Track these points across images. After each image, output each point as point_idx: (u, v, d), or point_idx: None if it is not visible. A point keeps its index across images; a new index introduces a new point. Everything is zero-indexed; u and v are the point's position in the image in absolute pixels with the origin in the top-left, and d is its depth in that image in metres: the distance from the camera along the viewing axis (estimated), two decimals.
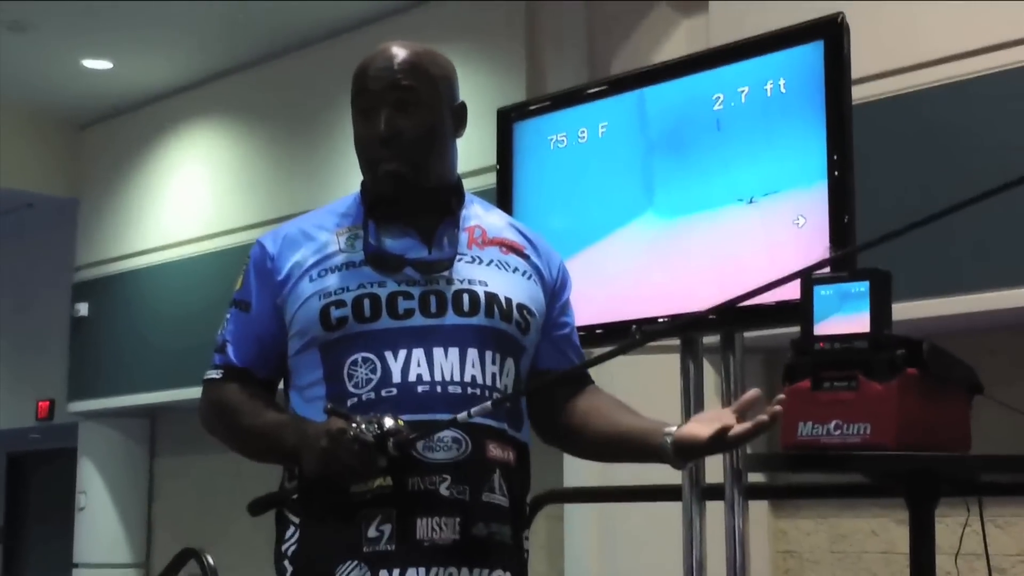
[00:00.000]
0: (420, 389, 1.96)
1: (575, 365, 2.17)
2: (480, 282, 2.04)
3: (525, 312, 2.07)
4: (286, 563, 2.03)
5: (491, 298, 2.03)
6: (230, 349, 2.09)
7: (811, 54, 2.54)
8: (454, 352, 1.99)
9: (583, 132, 2.92)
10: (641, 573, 4.67)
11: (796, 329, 2.21)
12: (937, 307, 3.72)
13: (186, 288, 7.21)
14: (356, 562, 1.94)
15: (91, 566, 8.09)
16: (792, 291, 2.28)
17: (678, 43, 4.90)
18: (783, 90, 2.58)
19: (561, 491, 5.00)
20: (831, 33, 2.51)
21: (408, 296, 2.01)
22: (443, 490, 1.95)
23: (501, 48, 5.72)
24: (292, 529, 2.04)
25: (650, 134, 2.81)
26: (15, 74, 7.29)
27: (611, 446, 2.11)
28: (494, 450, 2.00)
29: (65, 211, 8.39)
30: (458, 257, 2.06)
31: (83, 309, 8.05)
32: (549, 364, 2.15)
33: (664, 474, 3.24)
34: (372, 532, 1.94)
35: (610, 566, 4.87)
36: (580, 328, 2.85)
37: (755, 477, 3.12)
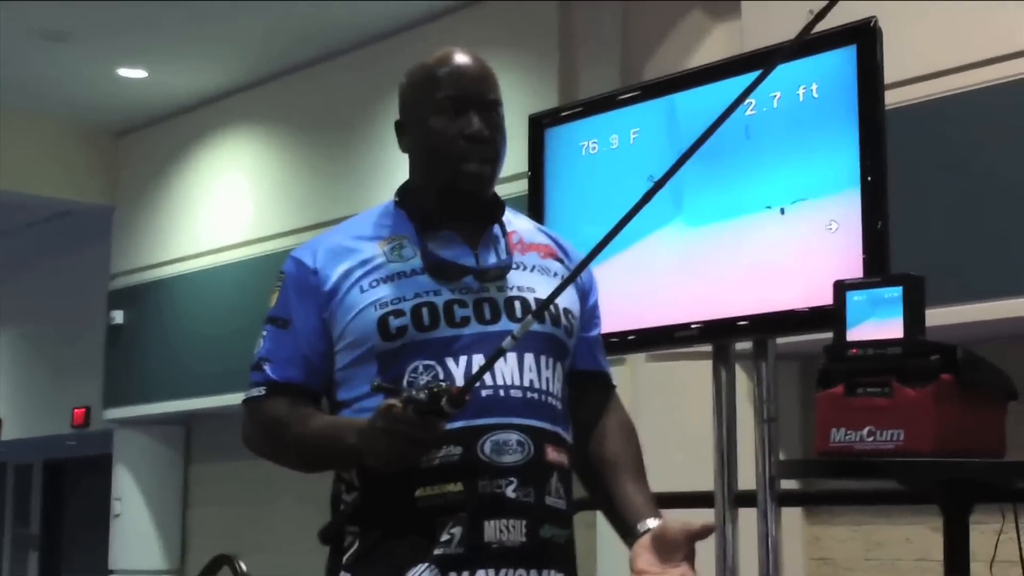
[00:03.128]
0: (484, 393, 1.97)
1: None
2: (528, 288, 2.08)
3: (571, 317, 2.11)
4: (342, 573, 2.02)
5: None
6: (268, 367, 2.08)
7: (844, 59, 2.53)
8: (512, 357, 2.00)
9: (615, 138, 2.92)
10: None
11: (829, 335, 2.20)
12: (971, 313, 3.69)
13: (221, 295, 7.25)
14: (427, 565, 1.95)
15: (126, 572, 8.13)
16: (825, 297, 2.27)
17: (711, 48, 4.89)
18: (815, 95, 2.57)
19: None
20: (864, 38, 2.50)
21: (463, 304, 2.03)
22: (510, 493, 1.97)
23: (534, 53, 5.72)
24: (350, 539, 2.03)
25: (681, 140, 2.80)
26: (52, 83, 7.36)
27: (598, 496, 2.15)
28: (552, 453, 2.03)
29: (101, 219, 8.46)
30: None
31: (119, 317, 8.11)
32: (584, 366, 2.18)
33: (697, 480, 3.24)
34: (444, 536, 1.95)
35: None
36: (611, 334, 2.87)
37: (788, 484, 3.10)
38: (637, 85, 3.06)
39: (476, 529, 1.95)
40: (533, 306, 2.05)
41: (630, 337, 2.89)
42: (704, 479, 2.90)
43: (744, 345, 2.79)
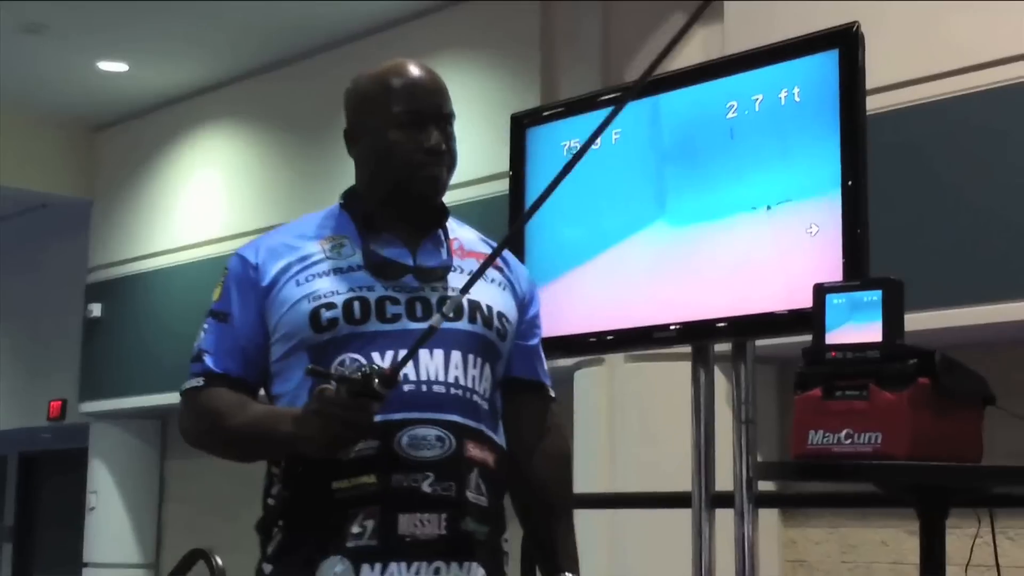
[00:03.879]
0: (406, 388, 2.01)
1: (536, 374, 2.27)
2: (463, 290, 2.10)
3: (504, 321, 2.16)
4: (265, 564, 2.08)
5: (474, 305, 2.11)
6: (208, 359, 2.13)
7: (826, 63, 2.54)
8: (439, 354, 2.05)
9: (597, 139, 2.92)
10: None
11: (808, 338, 2.21)
12: (950, 318, 3.72)
13: (199, 290, 7.19)
14: (340, 557, 1.99)
15: (101, 566, 8.10)
16: (805, 300, 2.28)
17: (693, 51, 4.89)
18: (797, 99, 2.58)
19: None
20: (846, 42, 2.51)
21: (395, 301, 2.08)
22: (426, 487, 2.01)
23: (515, 53, 5.72)
24: (275, 530, 2.08)
25: (663, 141, 2.81)
26: (31, 75, 7.32)
27: (527, 530, 2.24)
28: (473, 450, 2.06)
29: (79, 212, 8.43)
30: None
31: (96, 310, 8.08)
32: (520, 373, 2.23)
33: (674, 481, 3.24)
34: (355, 528, 1.99)
35: (620, 573, 4.86)
36: (590, 334, 2.87)
37: (765, 485, 3.11)
38: (619, 86, 3.07)
39: (390, 522, 1.99)
40: (466, 307, 2.10)
41: (609, 337, 2.90)
42: (681, 480, 2.90)
43: (723, 347, 2.80)
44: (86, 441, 8.33)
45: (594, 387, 5.10)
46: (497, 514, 2.13)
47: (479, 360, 2.10)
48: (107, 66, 7.18)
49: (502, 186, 3.27)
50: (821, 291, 2.19)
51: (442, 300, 2.10)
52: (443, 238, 2.20)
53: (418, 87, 2.17)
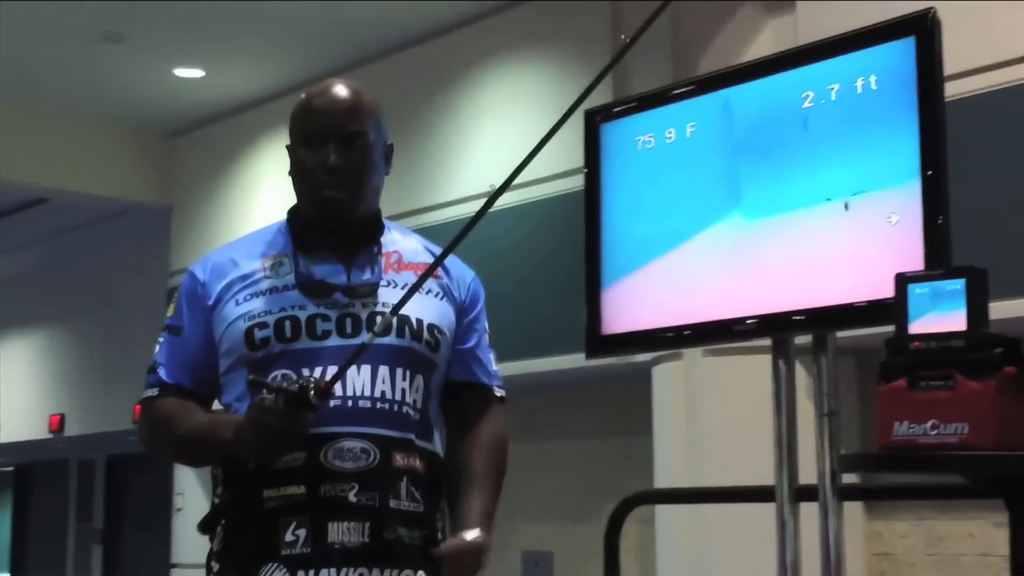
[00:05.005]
0: (332, 403, 2.10)
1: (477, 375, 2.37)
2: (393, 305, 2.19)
3: (436, 332, 2.26)
4: (213, 562, 2.20)
5: (403, 320, 2.21)
6: (162, 370, 2.27)
7: (902, 50, 2.51)
8: (366, 370, 2.16)
9: (670, 133, 2.91)
10: (734, 575, 4.64)
11: (888, 329, 2.18)
12: None
13: None
14: (276, 564, 2.10)
15: (189, 566, 8.20)
16: (885, 290, 2.25)
17: (764, 43, 4.86)
18: (874, 87, 2.55)
19: (652, 492, 4.99)
20: (923, 29, 2.48)
21: (326, 319, 2.19)
22: (351, 497, 2.12)
23: (587, 50, 5.72)
24: (220, 531, 2.20)
25: (737, 134, 2.79)
26: (109, 84, 7.44)
27: (449, 504, 2.30)
28: (400, 459, 2.17)
29: (159, 218, 8.55)
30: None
31: None
32: (456, 376, 2.33)
33: (754, 476, 3.22)
34: (289, 536, 2.11)
35: (702, 568, 4.84)
36: (666, 329, 2.86)
37: (849, 478, 3.08)
38: (693, 79, 3.06)
39: (320, 530, 2.11)
40: (394, 323, 2.20)
41: (686, 332, 2.88)
42: (763, 474, 2.88)
43: (802, 339, 2.78)
44: None
45: (672, 382, 5.08)
46: (431, 518, 2.23)
47: (407, 372, 2.20)
48: (183, 73, 7.28)
49: (576, 182, 3.27)
50: (903, 280, 2.17)
51: (372, 316, 2.19)
52: (377, 252, 2.29)
53: (325, 106, 2.28)
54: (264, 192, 7.66)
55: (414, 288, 2.10)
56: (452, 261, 2.36)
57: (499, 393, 2.39)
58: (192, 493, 8.14)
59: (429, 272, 2.14)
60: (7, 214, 10.04)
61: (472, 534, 2.17)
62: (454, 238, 2.11)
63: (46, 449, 12.08)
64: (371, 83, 7.76)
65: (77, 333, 10.71)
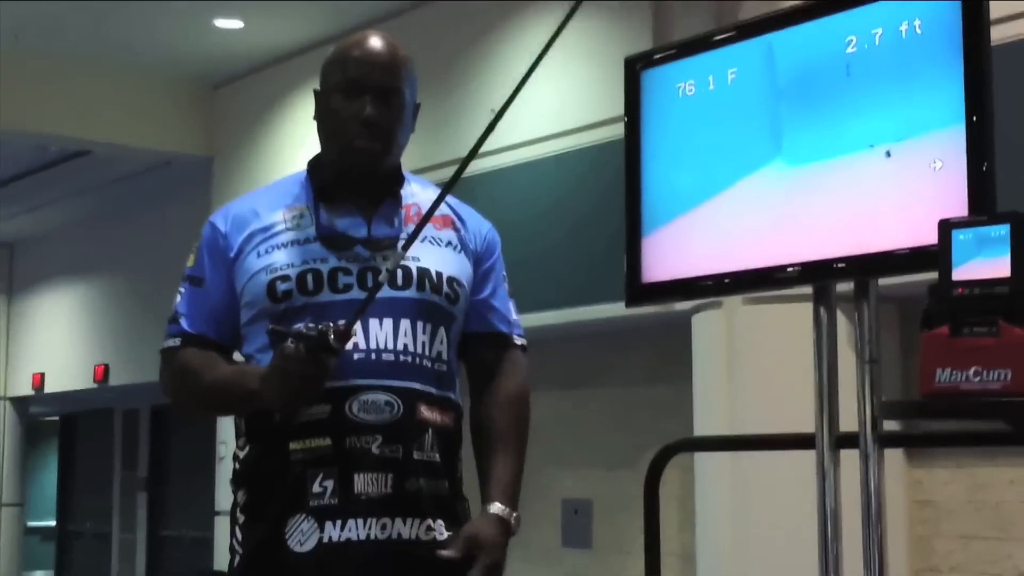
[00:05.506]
0: (356, 356, 2.14)
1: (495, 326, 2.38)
2: (413, 258, 2.23)
3: (455, 284, 2.27)
4: (239, 513, 2.23)
5: (423, 273, 2.23)
6: (184, 320, 2.29)
7: None
8: (388, 323, 2.17)
9: (712, 79, 2.89)
10: (773, 523, 4.66)
11: (933, 275, 2.17)
12: None
13: None
14: (304, 515, 2.14)
15: None
16: (928, 237, 2.24)
17: None
18: (919, 31, 2.52)
19: (692, 440, 5.00)
20: None
21: (347, 272, 2.20)
22: (375, 449, 2.14)
23: None
24: (245, 484, 2.24)
25: (779, 80, 2.77)
26: (150, 36, 7.46)
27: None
28: (424, 411, 2.19)
29: (201, 169, 8.59)
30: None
31: None
32: (473, 326, 2.34)
33: (795, 423, 3.22)
34: (316, 487, 2.14)
35: (742, 516, 4.86)
36: (706, 277, 2.86)
37: (890, 426, 3.08)
38: (733, 25, 3.02)
39: (347, 481, 2.13)
40: (414, 274, 2.22)
41: (726, 280, 2.87)
42: (803, 422, 2.88)
43: (843, 287, 2.76)
44: None
45: (712, 330, 5.08)
46: (453, 469, 2.27)
47: (428, 326, 2.22)
48: (223, 23, 7.29)
49: (617, 131, 3.26)
50: (947, 226, 2.15)
51: (386, 258, 2.20)
52: (398, 204, 2.29)
53: (365, 58, 2.26)
54: (304, 142, 7.66)
55: (420, 226, 2.12)
56: (468, 213, 2.38)
57: (519, 341, 2.40)
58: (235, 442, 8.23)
59: (432, 210, 2.14)
60: (51, 166, 10.12)
61: (496, 508, 2.22)
62: (455, 172, 2.15)
63: (91, 399, 12.24)
64: (411, 32, 7.76)
65: (121, 284, 10.81)
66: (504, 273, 2.43)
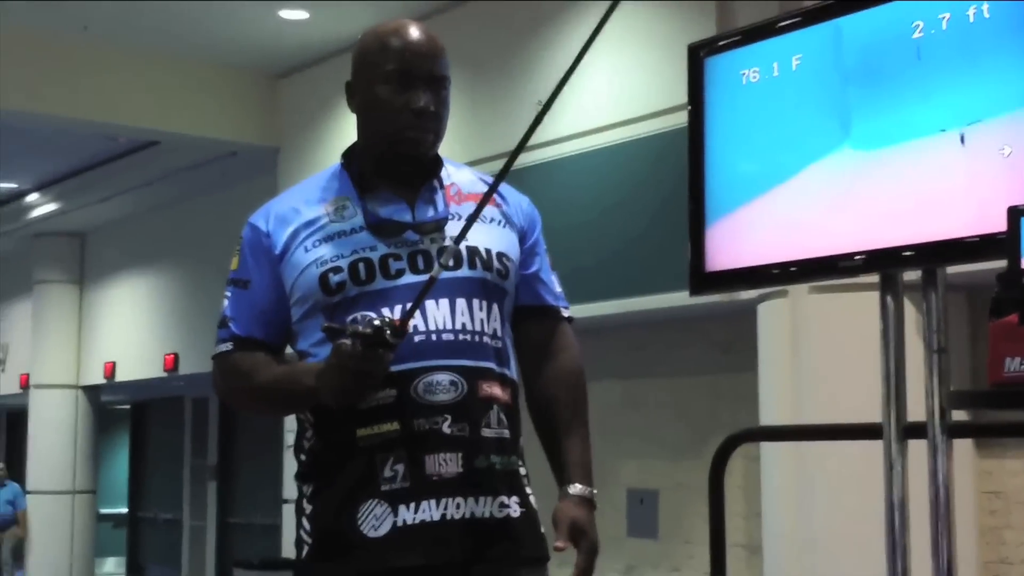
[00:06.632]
0: (416, 339, 2.15)
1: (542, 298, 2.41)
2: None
3: (504, 259, 2.29)
4: (306, 503, 2.24)
5: (472, 251, 2.25)
6: (233, 324, 2.30)
7: None
8: (444, 303, 2.19)
9: (776, 66, 2.86)
10: (839, 513, 4.62)
11: (1002, 263, 2.14)
12: None
13: None
14: (376, 500, 2.14)
15: None
16: (997, 224, 2.21)
17: None
18: (986, 15, 2.49)
19: (757, 430, 4.97)
20: None
21: (398, 258, 2.22)
22: (445, 428, 2.15)
23: None
24: (312, 476, 2.24)
25: (846, 65, 2.74)
26: (216, 27, 7.53)
27: (543, 444, 2.36)
28: (486, 388, 2.21)
29: (267, 159, 8.67)
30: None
31: None
32: (524, 300, 2.36)
33: (861, 413, 3.19)
34: (387, 472, 2.14)
35: (807, 506, 4.83)
36: (772, 265, 2.83)
37: (958, 416, 3.04)
38: (799, 11, 3.00)
39: (417, 464, 2.14)
40: (464, 254, 2.23)
41: (792, 268, 2.85)
42: (869, 412, 2.86)
43: (911, 275, 2.73)
44: None
45: (778, 319, 5.05)
46: (516, 443, 2.28)
47: (484, 303, 2.23)
48: (288, 14, 7.34)
49: (681, 119, 3.25)
50: (1016, 214, 2.13)
51: (441, 250, 2.22)
52: (439, 187, 2.31)
53: (412, 47, 2.29)
54: None
55: (473, 216, 2.12)
56: (506, 188, 2.39)
57: (566, 313, 2.43)
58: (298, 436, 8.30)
59: (486, 198, 2.16)
60: (120, 157, 10.25)
61: (578, 488, 2.26)
62: (507, 161, 2.13)
63: (161, 387, 12.40)
64: (472, 21, 7.78)
65: (189, 273, 10.94)
66: (545, 246, 2.46)
